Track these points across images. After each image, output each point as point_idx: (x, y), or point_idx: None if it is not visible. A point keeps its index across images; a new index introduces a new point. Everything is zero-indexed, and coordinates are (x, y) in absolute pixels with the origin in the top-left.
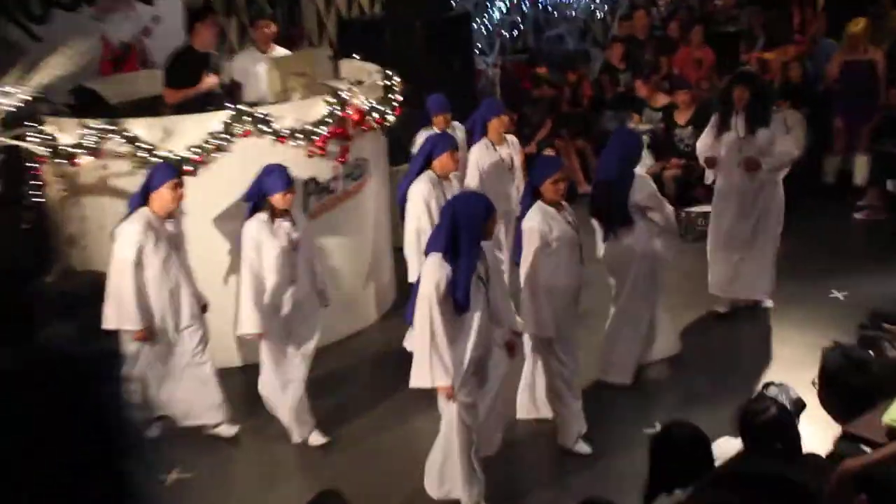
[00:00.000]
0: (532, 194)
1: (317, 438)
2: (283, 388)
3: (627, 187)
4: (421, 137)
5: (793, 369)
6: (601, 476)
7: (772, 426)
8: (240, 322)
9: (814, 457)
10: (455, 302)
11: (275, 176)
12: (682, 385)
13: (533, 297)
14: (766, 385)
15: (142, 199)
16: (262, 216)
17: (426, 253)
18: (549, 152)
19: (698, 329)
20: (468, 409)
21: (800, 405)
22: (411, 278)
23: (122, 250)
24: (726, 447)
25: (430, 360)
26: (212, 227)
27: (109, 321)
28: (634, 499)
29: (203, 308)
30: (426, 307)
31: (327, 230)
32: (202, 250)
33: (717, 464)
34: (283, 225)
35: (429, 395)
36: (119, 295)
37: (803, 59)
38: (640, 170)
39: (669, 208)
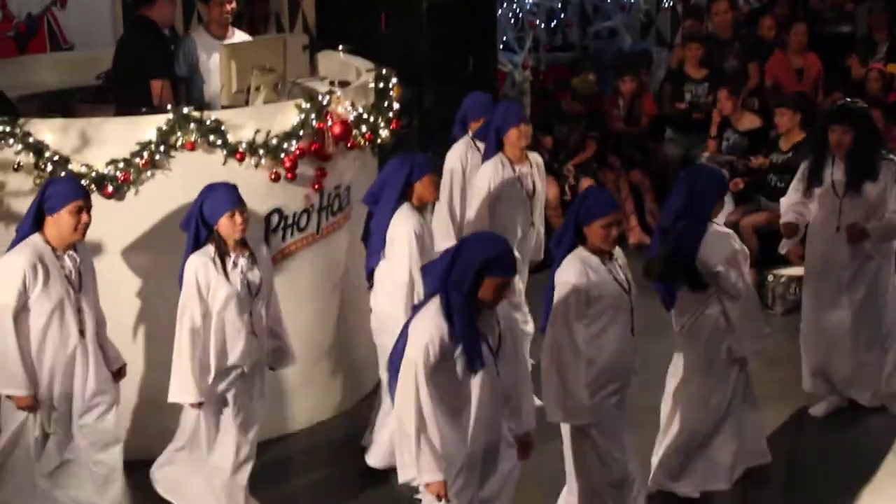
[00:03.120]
0: (574, 236)
1: None
2: (205, 474)
3: (697, 243)
4: (456, 151)
5: None
6: None
7: None
8: (172, 388)
9: None
10: (466, 364)
11: (218, 195)
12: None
13: (560, 372)
14: None
15: (34, 224)
16: (208, 251)
17: (415, 310)
18: (586, 182)
19: (786, 433)
20: None
21: None
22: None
23: (3, 289)
24: None
25: (415, 447)
26: (139, 264)
27: None
28: None
29: (117, 373)
30: (412, 376)
31: (291, 280)
32: (124, 294)
33: None
34: (239, 262)
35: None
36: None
37: None
38: (721, 219)
39: (746, 286)
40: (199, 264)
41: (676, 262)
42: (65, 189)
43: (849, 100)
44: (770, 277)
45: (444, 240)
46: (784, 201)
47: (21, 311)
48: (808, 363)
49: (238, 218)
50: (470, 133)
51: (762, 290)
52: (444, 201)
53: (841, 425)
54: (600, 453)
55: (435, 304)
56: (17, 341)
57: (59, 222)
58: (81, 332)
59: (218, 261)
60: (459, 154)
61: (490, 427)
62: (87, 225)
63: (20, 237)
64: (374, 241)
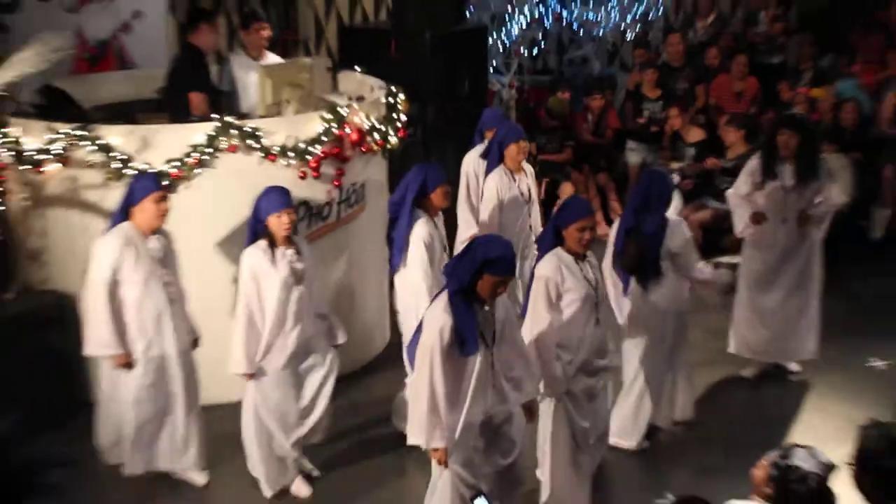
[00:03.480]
0: (554, 237)
1: (301, 488)
2: (268, 436)
3: (661, 237)
4: (471, 156)
5: (823, 445)
6: None
7: (812, 499)
8: (232, 360)
9: None
10: (462, 354)
11: (270, 197)
12: (697, 453)
13: (540, 353)
14: (791, 447)
15: (123, 214)
16: (262, 244)
17: (433, 300)
18: (567, 186)
19: (720, 393)
20: (464, 480)
21: (830, 469)
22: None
23: (97, 269)
24: None
25: (427, 419)
26: (191, 247)
27: (89, 346)
28: None
29: (194, 343)
30: (427, 359)
31: (320, 259)
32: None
33: None
34: (286, 253)
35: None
36: (94, 318)
37: (858, 99)
38: (672, 213)
39: (699, 263)
40: (253, 255)
41: (649, 256)
42: (146, 183)
43: (795, 111)
44: (711, 266)
45: (468, 228)
46: (733, 195)
47: (115, 285)
48: (740, 332)
49: (285, 218)
50: (486, 141)
51: None
52: (464, 197)
53: (767, 384)
54: (573, 424)
55: (445, 295)
56: (110, 309)
57: (144, 210)
58: (170, 301)
59: (269, 252)
60: (473, 158)
61: (484, 401)
62: (167, 211)
63: (113, 224)
64: (395, 245)
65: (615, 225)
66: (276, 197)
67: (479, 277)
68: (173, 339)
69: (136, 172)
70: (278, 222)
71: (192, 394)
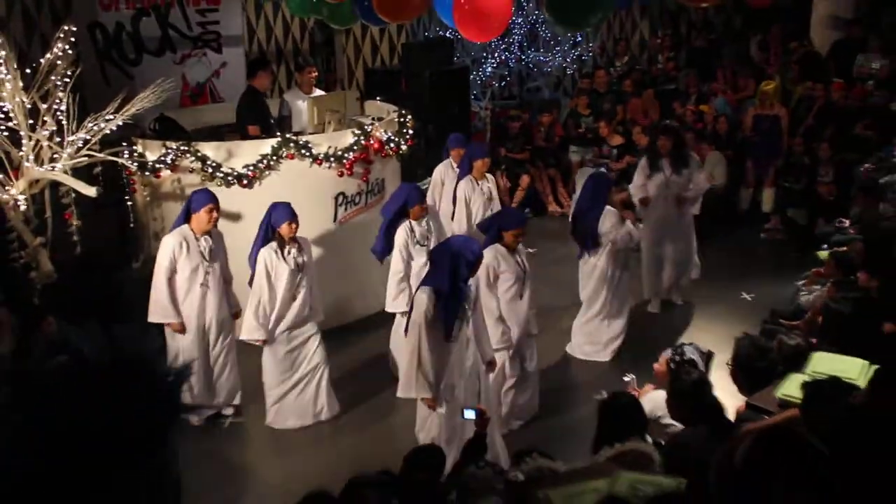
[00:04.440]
0: (496, 234)
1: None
2: (285, 385)
3: (597, 220)
4: (438, 170)
5: None
6: (554, 430)
7: (698, 385)
8: (244, 330)
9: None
10: (444, 329)
11: (280, 210)
12: (625, 362)
13: (489, 319)
14: (683, 344)
15: (184, 217)
16: (273, 245)
17: (421, 284)
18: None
19: (637, 322)
20: (447, 420)
21: (710, 356)
22: (387, 308)
23: (160, 259)
24: (656, 400)
25: (414, 377)
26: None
27: (152, 314)
28: (578, 448)
29: (235, 314)
30: (416, 331)
31: (352, 233)
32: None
33: (646, 409)
34: (292, 251)
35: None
36: (156, 294)
37: (728, 113)
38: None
39: (628, 227)
40: (267, 254)
41: (591, 234)
42: (202, 197)
43: (668, 121)
44: None
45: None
46: (633, 186)
47: (172, 272)
48: (647, 281)
49: (293, 225)
50: (451, 157)
51: None
52: (436, 198)
53: (667, 313)
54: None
55: (430, 288)
56: (169, 288)
57: (199, 218)
58: (208, 286)
59: (278, 250)
60: (441, 171)
61: (464, 360)
62: (216, 220)
63: (175, 225)
64: (379, 241)
65: (571, 211)
66: (286, 210)
67: (457, 276)
68: (215, 311)
69: (198, 188)
70: (289, 229)
71: (228, 351)
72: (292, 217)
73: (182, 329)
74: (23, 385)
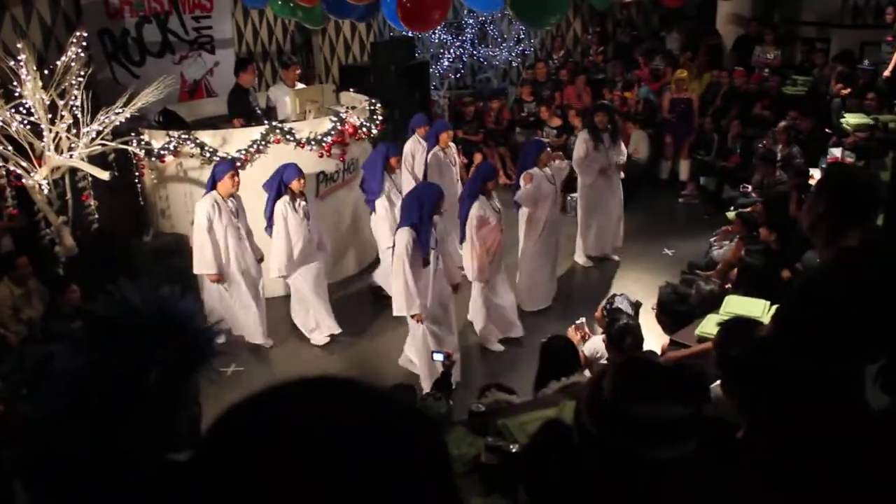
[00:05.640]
0: (481, 186)
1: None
2: (306, 304)
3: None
4: (408, 146)
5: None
6: (506, 364)
7: (625, 329)
8: (273, 268)
9: (651, 352)
10: (421, 257)
11: (291, 169)
12: (561, 307)
13: (474, 253)
14: (614, 295)
15: (211, 185)
16: (286, 199)
17: (399, 226)
18: (478, 156)
19: (571, 275)
20: (432, 332)
21: (638, 305)
22: (381, 246)
23: (199, 219)
24: (596, 343)
25: (405, 298)
26: (254, 203)
27: (197, 268)
28: (526, 383)
29: (259, 259)
30: (401, 262)
31: (332, 206)
32: (249, 217)
33: (587, 353)
34: (301, 203)
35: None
36: (200, 250)
37: (650, 97)
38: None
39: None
40: (282, 206)
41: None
42: (224, 166)
43: (604, 101)
44: (569, 198)
45: (408, 185)
46: (574, 157)
47: (210, 229)
48: (583, 244)
49: (302, 181)
50: (416, 133)
51: (564, 204)
52: (407, 169)
53: (600, 267)
54: (488, 301)
55: (408, 228)
56: (209, 244)
57: (224, 183)
58: (239, 238)
59: (291, 203)
60: (410, 146)
61: (442, 282)
62: (238, 183)
63: (207, 191)
64: (370, 192)
65: (515, 176)
66: (296, 169)
67: (423, 212)
68: (247, 258)
69: (220, 159)
70: (298, 184)
71: (258, 291)
72: (300, 174)
73: (219, 279)
74: (93, 326)
